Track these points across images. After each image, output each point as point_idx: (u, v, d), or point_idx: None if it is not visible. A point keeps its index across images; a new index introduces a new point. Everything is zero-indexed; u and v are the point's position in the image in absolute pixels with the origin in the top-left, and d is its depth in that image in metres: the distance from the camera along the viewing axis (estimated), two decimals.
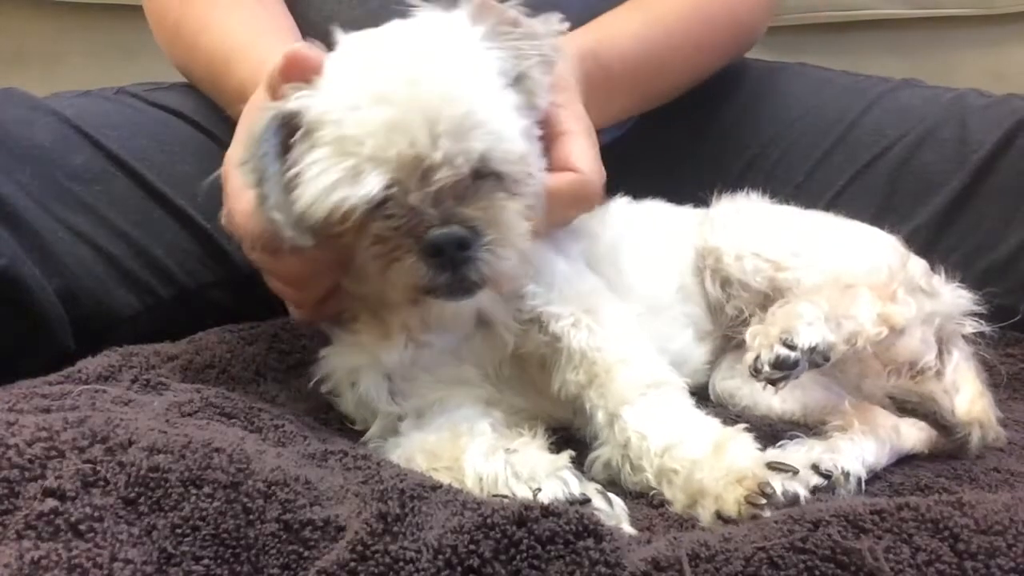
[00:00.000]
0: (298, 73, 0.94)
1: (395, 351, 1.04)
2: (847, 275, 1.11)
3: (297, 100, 0.93)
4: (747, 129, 1.53)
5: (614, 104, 1.29)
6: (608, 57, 1.24)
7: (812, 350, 0.96)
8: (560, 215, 1.04)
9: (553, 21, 1.01)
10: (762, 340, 0.97)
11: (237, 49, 1.24)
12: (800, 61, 1.68)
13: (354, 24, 1.45)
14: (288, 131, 0.93)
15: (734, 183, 1.43)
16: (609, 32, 1.28)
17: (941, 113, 1.43)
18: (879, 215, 1.35)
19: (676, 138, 1.55)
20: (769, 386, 0.97)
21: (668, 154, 1.53)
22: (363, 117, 0.89)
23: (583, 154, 1.04)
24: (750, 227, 1.21)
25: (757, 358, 0.96)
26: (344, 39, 0.98)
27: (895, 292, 1.07)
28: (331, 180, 0.89)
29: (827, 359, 0.98)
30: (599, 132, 1.11)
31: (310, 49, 0.96)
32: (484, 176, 0.92)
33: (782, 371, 0.95)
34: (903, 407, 1.06)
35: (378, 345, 1.04)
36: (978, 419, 1.06)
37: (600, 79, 1.20)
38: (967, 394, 1.09)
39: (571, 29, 1.06)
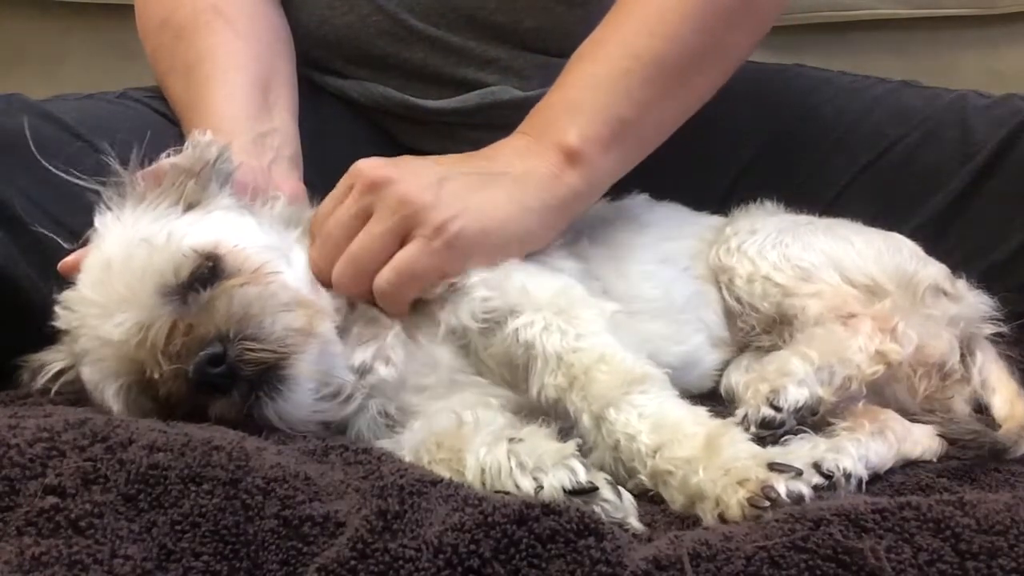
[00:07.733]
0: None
1: (387, 390, 1.04)
2: (853, 302, 1.14)
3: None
4: (745, 130, 1.52)
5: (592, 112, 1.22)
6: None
7: (798, 410, 1.01)
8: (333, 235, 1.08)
9: (196, 137, 1.10)
10: (752, 396, 1.03)
11: (201, 120, 1.25)
12: (800, 61, 1.67)
13: (345, 29, 1.45)
14: None
15: (733, 184, 1.43)
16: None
17: (942, 113, 1.42)
18: (879, 215, 1.34)
19: (675, 139, 1.54)
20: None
21: (666, 155, 1.52)
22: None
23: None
24: (764, 249, 1.22)
25: (745, 416, 1.01)
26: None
27: (896, 327, 1.10)
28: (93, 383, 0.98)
29: (815, 413, 1.03)
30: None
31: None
32: (202, 283, 0.97)
33: (769, 430, 0.99)
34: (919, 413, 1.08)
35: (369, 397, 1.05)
36: (1020, 421, 1.05)
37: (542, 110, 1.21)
38: (1005, 394, 1.09)
39: None
